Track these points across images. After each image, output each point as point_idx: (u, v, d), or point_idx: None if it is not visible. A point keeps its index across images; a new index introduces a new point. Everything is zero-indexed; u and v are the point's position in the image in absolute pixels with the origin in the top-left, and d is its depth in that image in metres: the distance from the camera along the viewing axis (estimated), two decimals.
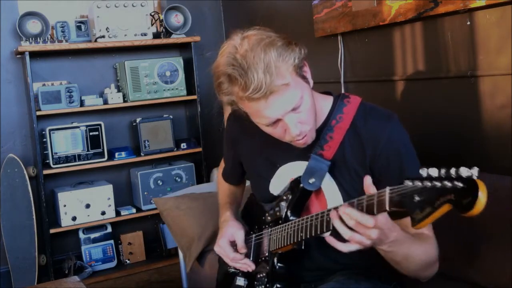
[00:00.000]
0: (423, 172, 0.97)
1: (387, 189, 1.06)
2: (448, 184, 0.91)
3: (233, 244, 1.58)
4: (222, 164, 1.81)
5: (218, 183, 1.86)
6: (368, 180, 1.14)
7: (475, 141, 1.89)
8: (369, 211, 1.11)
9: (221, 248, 1.57)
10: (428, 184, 0.95)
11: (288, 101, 1.28)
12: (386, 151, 1.33)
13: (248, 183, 1.82)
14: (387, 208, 1.06)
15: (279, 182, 1.50)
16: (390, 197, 1.05)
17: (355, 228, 1.13)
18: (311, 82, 1.36)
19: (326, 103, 1.45)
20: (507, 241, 1.49)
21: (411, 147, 1.37)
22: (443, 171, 0.94)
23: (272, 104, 1.26)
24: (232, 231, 1.59)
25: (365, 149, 1.35)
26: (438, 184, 0.93)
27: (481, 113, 1.85)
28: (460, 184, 0.89)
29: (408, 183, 1.00)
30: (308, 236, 1.31)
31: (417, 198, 0.97)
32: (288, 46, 1.28)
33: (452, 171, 0.92)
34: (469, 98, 1.87)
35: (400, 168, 1.32)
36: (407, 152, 1.35)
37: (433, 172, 0.95)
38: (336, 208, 1.18)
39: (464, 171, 0.90)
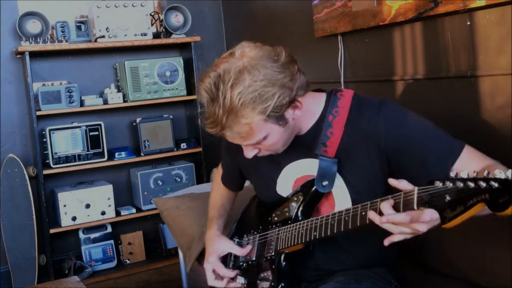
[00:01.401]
0: (453, 173, 0.99)
1: (416, 189, 1.07)
2: (483, 184, 0.93)
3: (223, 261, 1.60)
4: (220, 170, 1.81)
5: (212, 190, 1.85)
6: (392, 181, 1.13)
7: (475, 141, 1.89)
8: (395, 210, 1.11)
9: (213, 263, 1.58)
10: (461, 184, 0.96)
11: (242, 141, 1.31)
12: (391, 139, 1.31)
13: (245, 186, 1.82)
14: (415, 207, 1.07)
15: (285, 182, 1.49)
16: (418, 197, 1.06)
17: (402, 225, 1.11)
18: (297, 114, 1.33)
19: (319, 101, 1.43)
20: (507, 241, 1.49)
21: (412, 118, 1.33)
22: (474, 172, 0.96)
23: (226, 136, 1.31)
24: (222, 248, 1.61)
25: (368, 142, 1.34)
26: (471, 184, 0.94)
27: (481, 113, 1.84)
28: (495, 184, 0.91)
29: (438, 183, 1.01)
30: (322, 235, 1.31)
31: (448, 198, 0.98)
32: (274, 95, 1.23)
33: (485, 173, 0.94)
34: (469, 98, 1.87)
35: (417, 145, 1.29)
36: (411, 127, 1.32)
37: (464, 174, 0.97)
38: (366, 206, 1.18)
39: (498, 173, 0.92)
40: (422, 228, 1.09)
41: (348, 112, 1.38)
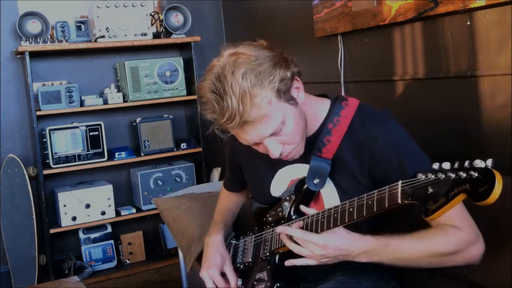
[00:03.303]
0: (435, 165, 0.99)
1: (399, 183, 1.08)
2: (463, 174, 0.93)
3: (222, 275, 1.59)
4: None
5: (219, 198, 1.85)
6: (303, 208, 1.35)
7: (475, 141, 1.89)
8: (380, 205, 1.12)
9: (213, 277, 1.57)
10: (442, 176, 0.96)
11: (265, 129, 1.28)
12: (385, 154, 1.32)
13: None
14: (399, 201, 1.07)
15: (279, 184, 1.50)
16: (402, 190, 1.07)
17: (299, 242, 1.28)
18: (302, 98, 1.34)
19: (322, 107, 1.44)
20: (507, 241, 1.49)
21: (410, 144, 1.35)
22: (456, 163, 0.96)
23: (248, 131, 1.28)
24: (221, 262, 1.59)
25: (363, 154, 1.35)
26: (452, 175, 0.95)
27: (481, 113, 1.84)
28: (475, 174, 0.91)
29: (421, 175, 1.01)
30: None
31: (430, 190, 0.99)
32: (274, 68, 1.26)
33: (466, 163, 0.94)
34: (469, 98, 1.87)
35: (402, 168, 1.30)
36: (406, 151, 1.33)
37: (446, 165, 0.97)
38: (353, 202, 1.21)
39: (479, 162, 0.92)
40: (318, 251, 1.24)
41: (349, 123, 1.38)
